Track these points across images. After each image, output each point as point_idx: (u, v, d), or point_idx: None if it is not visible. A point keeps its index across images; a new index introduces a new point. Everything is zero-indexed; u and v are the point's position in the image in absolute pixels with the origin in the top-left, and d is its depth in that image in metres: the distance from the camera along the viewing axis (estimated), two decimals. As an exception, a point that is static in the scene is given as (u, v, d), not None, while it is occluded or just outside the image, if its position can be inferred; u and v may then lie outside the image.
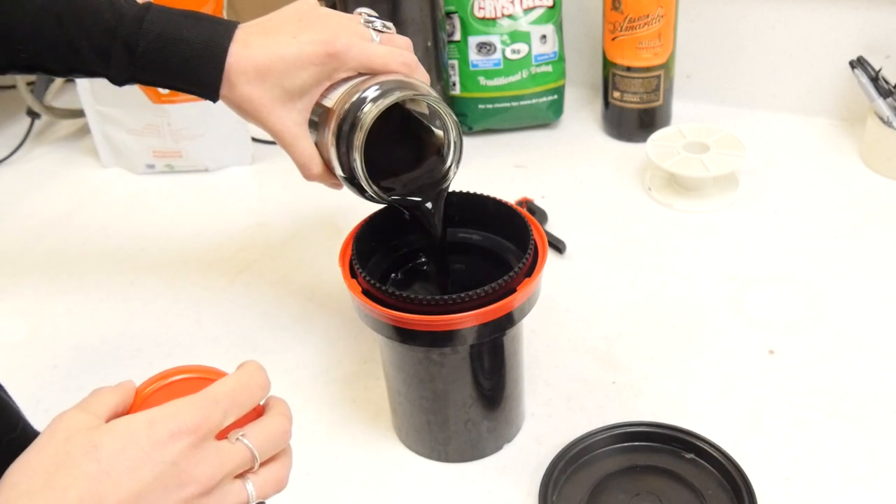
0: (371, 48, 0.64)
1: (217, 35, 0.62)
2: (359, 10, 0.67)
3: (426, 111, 0.68)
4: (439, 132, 0.67)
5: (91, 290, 0.92)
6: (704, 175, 0.94)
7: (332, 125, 0.62)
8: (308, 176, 0.66)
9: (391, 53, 0.64)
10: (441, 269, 0.70)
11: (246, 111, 0.64)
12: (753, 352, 0.77)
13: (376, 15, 0.67)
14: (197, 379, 0.48)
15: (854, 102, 1.06)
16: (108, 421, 0.44)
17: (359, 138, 0.60)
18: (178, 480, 0.42)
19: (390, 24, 0.67)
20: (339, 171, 0.64)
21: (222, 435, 0.45)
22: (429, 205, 0.66)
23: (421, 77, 0.65)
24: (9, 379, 0.81)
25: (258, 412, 0.48)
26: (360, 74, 0.64)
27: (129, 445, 0.42)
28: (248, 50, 0.62)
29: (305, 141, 0.65)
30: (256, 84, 0.62)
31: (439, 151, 0.67)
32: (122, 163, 1.11)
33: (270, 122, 0.64)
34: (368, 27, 0.65)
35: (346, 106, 0.62)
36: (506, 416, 0.70)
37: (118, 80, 0.64)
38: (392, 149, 0.68)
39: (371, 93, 0.61)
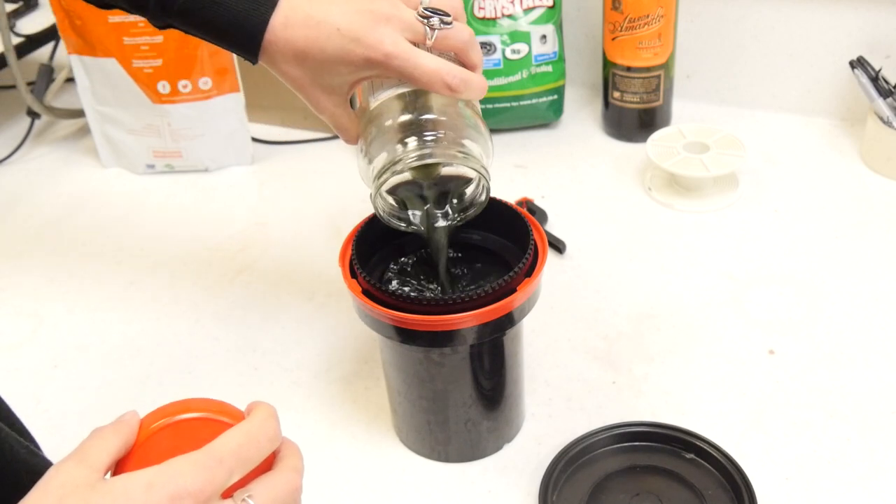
0: (418, 62, 0.58)
1: (258, 4, 0.59)
2: None
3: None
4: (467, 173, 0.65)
5: (91, 290, 0.92)
6: (704, 175, 0.94)
7: (367, 132, 0.63)
8: (349, 142, 0.66)
9: (437, 72, 0.58)
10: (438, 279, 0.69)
11: (286, 82, 0.63)
12: (753, 352, 0.77)
13: (436, 8, 0.60)
14: (206, 420, 0.45)
15: (854, 102, 1.06)
16: (107, 471, 0.42)
17: (382, 182, 0.60)
18: None
19: (449, 18, 0.60)
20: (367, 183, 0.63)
21: (227, 493, 0.42)
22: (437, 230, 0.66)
23: (473, 92, 0.60)
24: (9, 379, 0.81)
25: (268, 462, 0.45)
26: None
27: None
28: (287, 31, 0.59)
29: (344, 118, 0.64)
30: (295, 66, 0.60)
31: (462, 189, 0.66)
32: (122, 163, 1.11)
33: (311, 101, 0.63)
34: (424, 23, 0.59)
35: (382, 126, 0.62)
36: (506, 416, 0.70)
37: (157, 25, 0.62)
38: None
39: (408, 143, 0.60)
